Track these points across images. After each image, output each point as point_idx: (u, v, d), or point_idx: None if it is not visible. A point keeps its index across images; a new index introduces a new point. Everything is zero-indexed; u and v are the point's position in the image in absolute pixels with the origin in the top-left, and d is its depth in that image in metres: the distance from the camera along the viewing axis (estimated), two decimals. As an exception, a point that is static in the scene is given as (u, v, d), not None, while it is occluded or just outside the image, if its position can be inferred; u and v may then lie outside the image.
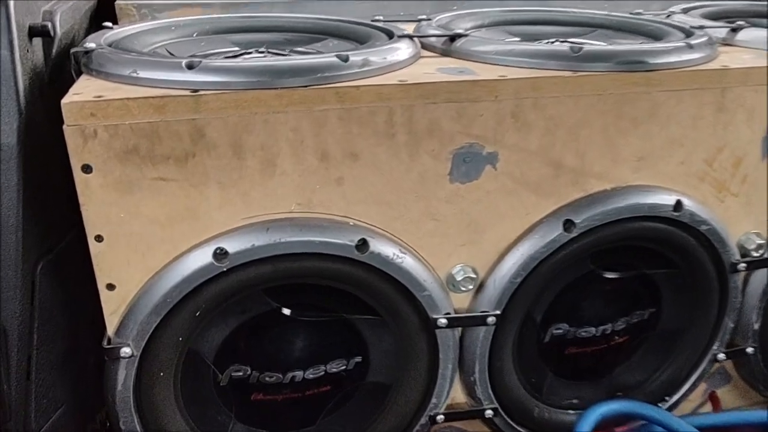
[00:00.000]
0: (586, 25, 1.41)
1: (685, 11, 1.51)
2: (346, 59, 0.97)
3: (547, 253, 1.10)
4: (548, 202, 1.10)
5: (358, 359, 1.15)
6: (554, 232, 1.09)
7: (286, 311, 1.07)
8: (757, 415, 1.27)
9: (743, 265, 1.23)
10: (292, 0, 1.46)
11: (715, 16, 1.53)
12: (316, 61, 0.96)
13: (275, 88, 0.92)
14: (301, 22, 1.30)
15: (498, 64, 1.08)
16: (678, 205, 1.14)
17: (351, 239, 1.00)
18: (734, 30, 1.29)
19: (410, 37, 1.13)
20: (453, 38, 1.15)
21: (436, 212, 1.05)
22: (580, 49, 1.06)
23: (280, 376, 1.11)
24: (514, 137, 1.04)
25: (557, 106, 1.04)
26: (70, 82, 0.95)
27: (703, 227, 1.17)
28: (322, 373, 1.12)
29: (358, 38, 1.21)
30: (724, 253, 1.21)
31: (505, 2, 1.56)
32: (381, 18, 1.30)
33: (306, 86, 0.93)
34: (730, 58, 1.17)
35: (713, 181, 1.18)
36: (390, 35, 1.16)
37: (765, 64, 1.13)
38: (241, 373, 1.09)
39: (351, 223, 1.02)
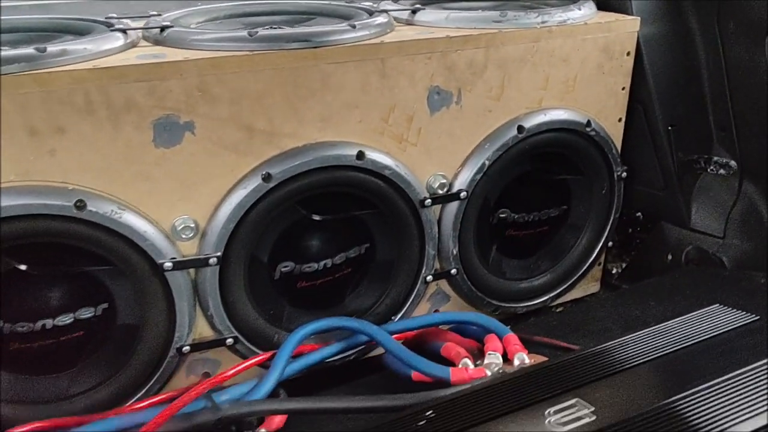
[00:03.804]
0: (307, 14, 1.68)
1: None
2: (43, 50, 1.17)
3: (252, 201, 1.35)
4: (249, 160, 1.35)
5: (105, 305, 1.35)
6: (255, 183, 1.34)
7: (22, 267, 1.25)
8: (438, 317, 1.57)
9: (429, 201, 1.53)
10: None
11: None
12: (15, 53, 1.15)
13: (-24, 77, 1.11)
14: (40, 22, 1.48)
15: (193, 49, 1.31)
16: (360, 155, 1.42)
17: (69, 200, 1.20)
18: (414, 12, 1.59)
19: (124, 30, 1.35)
20: (162, 29, 1.37)
21: (149, 174, 1.27)
22: (256, 32, 1.31)
23: (32, 325, 1.29)
24: (205, 108, 1.27)
25: (239, 80, 1.28)
26: None
27: (387, 172, 1.46)
28: (71, 320, 1.32)
29: (80, 33, 1.40)
30: (410, 192, 1.50)
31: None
32: (114, 16, 1.50)
33: (6, 74, 1.13)
34: (397, 35, 1.46)
35: (392, 135, 1.47)
36: (109, 26, 1.38)
37: (417, 38, 1.43)
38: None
39: (70, 188, 1.22)
